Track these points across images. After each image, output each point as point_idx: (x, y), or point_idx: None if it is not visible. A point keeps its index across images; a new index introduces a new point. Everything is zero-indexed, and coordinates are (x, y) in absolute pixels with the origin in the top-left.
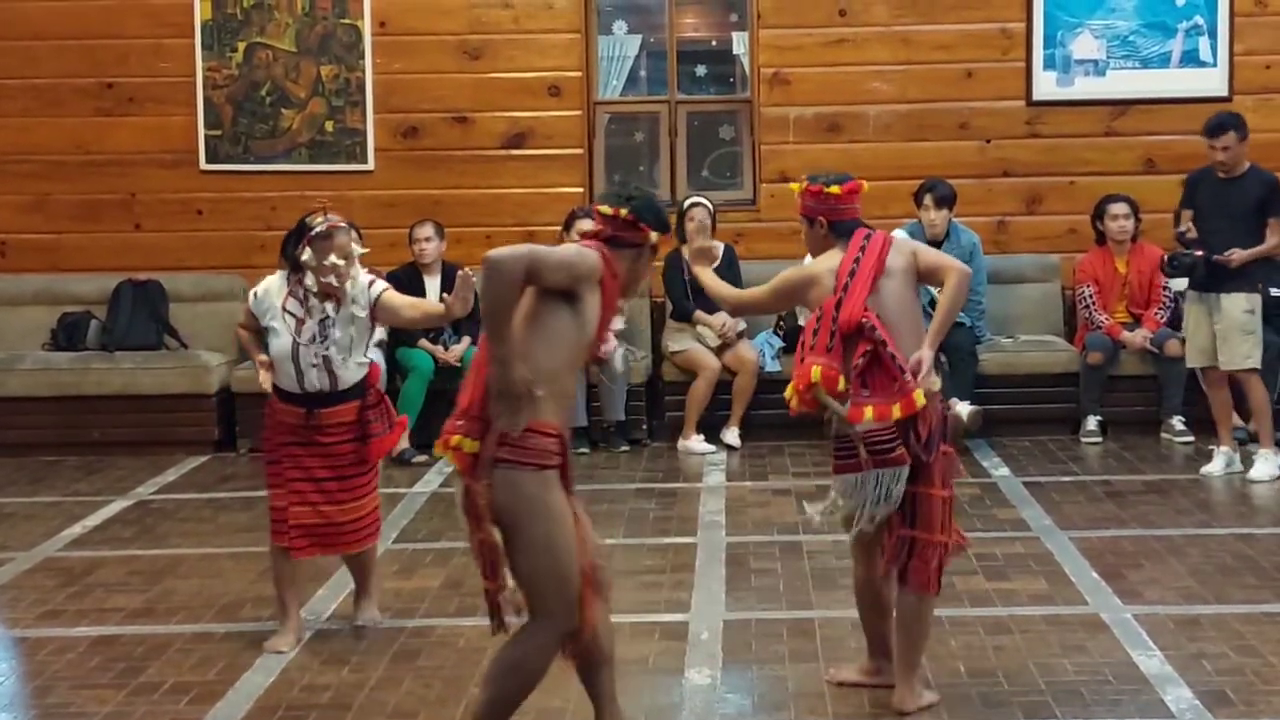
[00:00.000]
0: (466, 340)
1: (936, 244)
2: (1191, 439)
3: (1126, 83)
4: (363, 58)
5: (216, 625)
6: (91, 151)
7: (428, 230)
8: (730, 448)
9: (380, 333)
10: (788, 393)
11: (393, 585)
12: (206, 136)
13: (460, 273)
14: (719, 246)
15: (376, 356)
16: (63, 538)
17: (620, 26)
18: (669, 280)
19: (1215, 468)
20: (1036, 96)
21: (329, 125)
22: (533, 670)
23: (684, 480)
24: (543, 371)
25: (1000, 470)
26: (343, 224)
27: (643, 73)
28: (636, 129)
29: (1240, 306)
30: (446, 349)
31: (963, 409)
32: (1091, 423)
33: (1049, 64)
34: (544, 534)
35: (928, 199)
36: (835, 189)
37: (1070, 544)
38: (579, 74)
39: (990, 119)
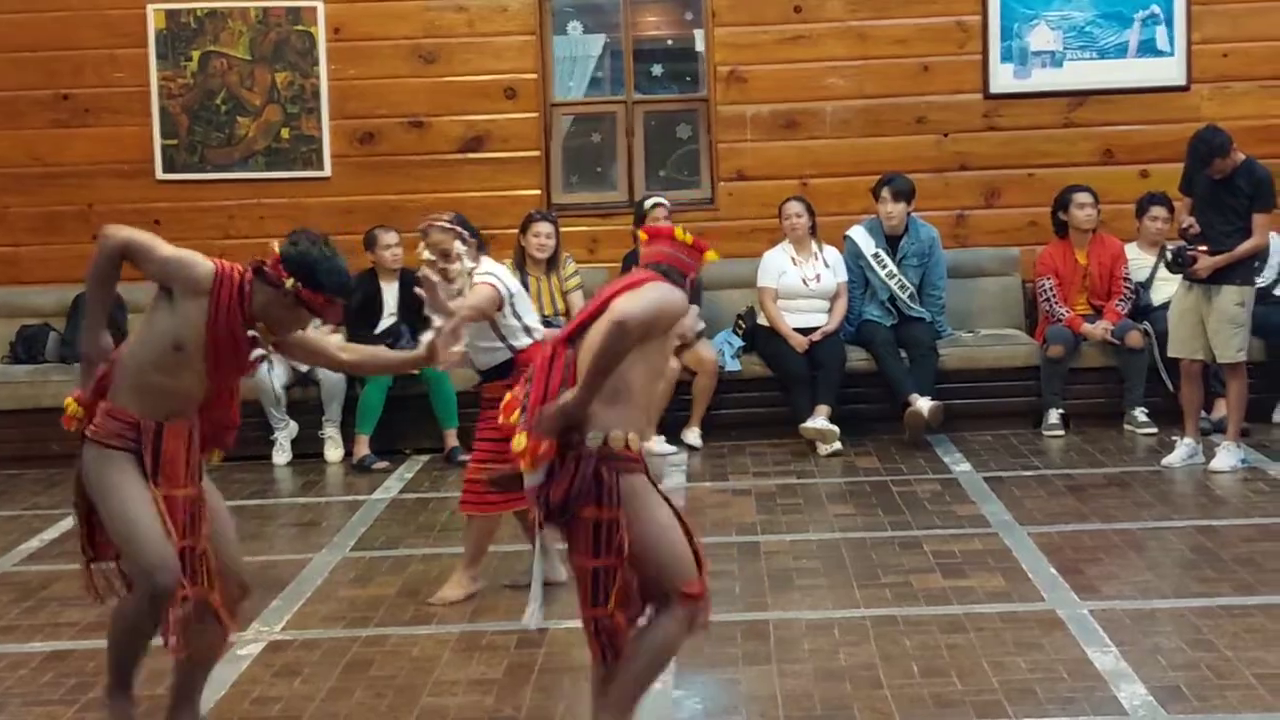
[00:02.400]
0: None
1: (896, 238)
2: (1154, 430)
3: (1084, 74)
4: (317, 64)
5: None
6: (49, 163)
7: (394, 236)
8: (691, 448)
9: (337, 339)
10: None
11: (348, 594)
12: (163, 146)
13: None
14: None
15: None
16: (19, 552)
17: (575, 27)
18: None
19: (1175, 459)
20: (994, 89)
21: (285, 132)
22: (126, 622)
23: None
24: (131, 358)
25: (961, 466)
26: (443, 221)
27: (601, 73)
28: (594, 129)
29: (1232, 300)
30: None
31: (923, 405)
32: (1053, 416)
33: (1006, 56)
34: (105, 505)
35: (885, 192)
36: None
37: (1029, 539)
38: (534, 76)
39: (947, 113)
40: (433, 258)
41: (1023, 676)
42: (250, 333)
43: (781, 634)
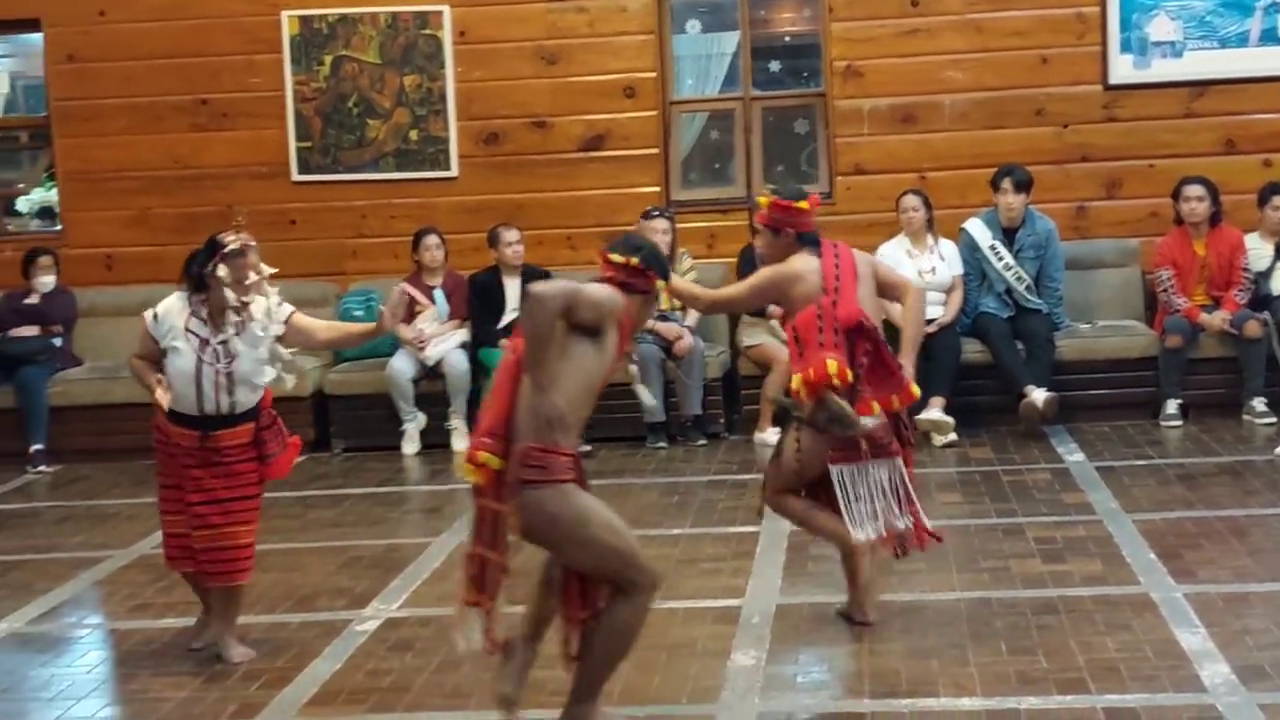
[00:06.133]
0: None
1: (1013, 230)
2: (1273, 420)
3: (1205, 63)
4: (444, 67)
5: (292, 615)
6: (189, 166)
7: (516, 234)
8: None
9: (462, 334)
10: (795, 383)
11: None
12: (297, 149)
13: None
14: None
15: (460, 357)
16: (159, 535)
17: (694, 25)
18: (743, 275)
19: None
20: (1113, 80)
21: (413, 134)
22: (634, 631)
23: (758, 471)
24: (567, 399)
25: (1074, 455)
26: (253, 242)
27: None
28: (713, 127)
29: None
30: None
31: (1038, 396)
32: (1172, 406)
33: (1125, 47)
34: (588, 532)
35: (1006, 183)
36: (803, 204)
37: (1132, 526)
38: (654, 74)
39: (1067, 104)
40: (259, 277)
41: (1109, 655)
42: None
43: (876, 615)
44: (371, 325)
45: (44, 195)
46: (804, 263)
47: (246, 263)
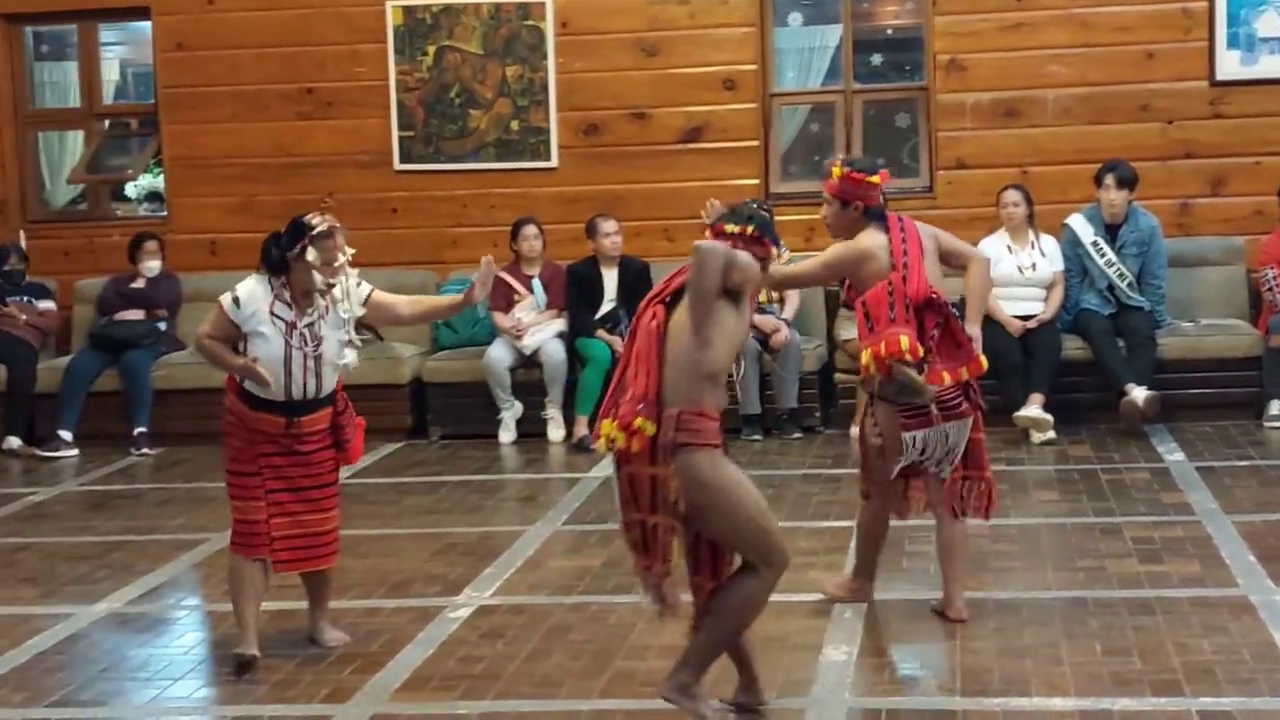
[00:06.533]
0: None
1: (1115, 227)
2: None
3: None
4: (546, 58)
5: (386, 601)
6: (293, 154)
7: (615, 224)
8: None
9: (560, 324)
10: (865, 358)
11: (556, 564)
12: (400, 138)
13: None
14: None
15: (557, 347)
16: None
17: (796, 18)
18: None
19: None
20: (1220, 76)
21: (514, 124)
22: (757, 607)
23: (853, 466)
24: (721, 360)
25: (1174, 455)
26: (338, 224)
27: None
28: (813, 120)
29: None
30: (624, 339)
31: (1139, 394)
32: (1275, 407)
33: (1232, 43)
34: (735, 500)
35: (1109, 179)
36: (875, 179)
37: (1232, 527)
38: (754, 67)
39: (1172, 100)
40: (345, 259)
41: (1205, 658)
42: None
43: (970, 612)
44: (459, 297)
45: (151, 181)
46: (872, 239)
47: (335, 244)
